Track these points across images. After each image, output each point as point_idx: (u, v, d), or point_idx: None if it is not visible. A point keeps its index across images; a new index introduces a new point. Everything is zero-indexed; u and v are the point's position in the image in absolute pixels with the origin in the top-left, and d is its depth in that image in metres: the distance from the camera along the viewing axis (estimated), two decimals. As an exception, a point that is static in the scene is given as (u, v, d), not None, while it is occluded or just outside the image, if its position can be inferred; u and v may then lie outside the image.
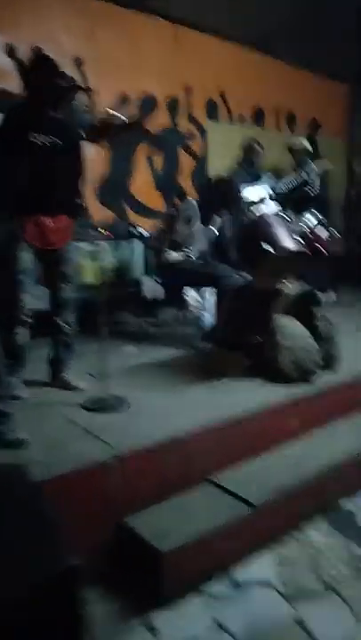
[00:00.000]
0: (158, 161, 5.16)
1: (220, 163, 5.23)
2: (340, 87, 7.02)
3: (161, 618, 1.86)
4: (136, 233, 4.27)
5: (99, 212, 4.69)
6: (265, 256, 2.72)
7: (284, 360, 2.89)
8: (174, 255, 3.73)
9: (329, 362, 3.09)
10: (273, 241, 2.71)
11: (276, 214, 2.86)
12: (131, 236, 4.27)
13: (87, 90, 2.50)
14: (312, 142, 6.02)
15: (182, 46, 5.14)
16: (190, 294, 4.19)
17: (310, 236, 3.10)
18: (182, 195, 4.40)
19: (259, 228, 2.76)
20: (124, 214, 4.92)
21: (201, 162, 5.45)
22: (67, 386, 2.90)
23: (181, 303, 4.28)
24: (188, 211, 3.71)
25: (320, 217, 3.27)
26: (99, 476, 2.00)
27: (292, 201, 4.24)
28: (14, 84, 4.08)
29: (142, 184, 5.03)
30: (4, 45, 4.07)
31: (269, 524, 2.22)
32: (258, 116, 6.03)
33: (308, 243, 3.09)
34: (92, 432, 2.30)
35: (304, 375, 2.90)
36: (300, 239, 3.06)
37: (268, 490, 2.26)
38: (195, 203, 3.76)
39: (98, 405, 2.58)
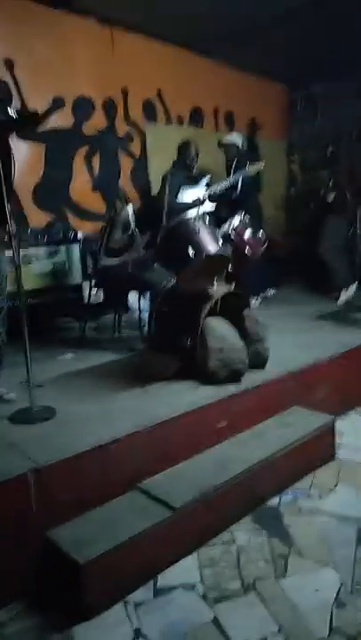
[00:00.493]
0: (96, 163, 5.12)
1: (159, 164, 5.25)
2: (279, 88, 7.15)
3: (82, 631, 1.86)
4: (70, 236, 4.22)
5: (36, 216, 4.63)
6: (187, 260, 2.73)
7: (212, 361, 2.92)
8: (109, 260, 3.72)
9: (258, 361, 3.14)
10: (194, 245, 2.74)
11: (202, 216, 2.86)
12: (65, 240, 4.21)
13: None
14: (252, 143, 6.12)
15: (118, 47, 5.12)
16: (132, 298, 4.21)
17: (232, 237, 3.14)
18: (123, 198, 4.39)
19: (179, 233, 2.78)
20: (64, 218, 4.87)
21: (141, 163, 5.45)
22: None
23: (124, 307, 4.28)
24: (124, 217, 3.70)
25: (243, 218, 3.30)
26: (14, 491, 1.97)
27: (224, 203, 4.30)
28: None
29: (81, 186, 4.99)
30: None
31: (194, 526, 2.24)
32: (196, 117, 6.07)
33: (233, 244, 3.13)
34: (14, 444, 2.27)
35: (233, 375, 2.94)
36: (222, 241, 3.09)
37: (194, 492, 2.29)
38: (130, 210, 3.76)
39: (23, 417, 2.54)
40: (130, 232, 3.70)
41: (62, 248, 4.18)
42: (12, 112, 2.50)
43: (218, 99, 6.20)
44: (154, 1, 4.64)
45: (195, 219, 2.82)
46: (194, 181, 4.51)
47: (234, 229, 3.18)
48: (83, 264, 4.19)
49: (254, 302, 5.01)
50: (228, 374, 2.94)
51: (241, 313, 3.21)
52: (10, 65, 4.38)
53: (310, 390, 3.26)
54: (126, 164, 5.36)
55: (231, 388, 2.90)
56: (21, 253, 3.93)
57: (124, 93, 5.27)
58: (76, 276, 4.21)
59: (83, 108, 4.93)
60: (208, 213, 4.33)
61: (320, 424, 2.97)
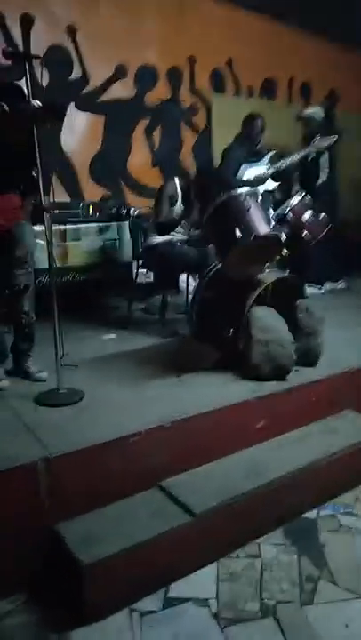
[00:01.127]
0: (157, 136, 4.91)
1: (224, 138, 4.92)
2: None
3: (81, 635, 1.74)
4: (123, 213, 4.07)
5: (92, 191, 4.52)
6: (234, 243, 2.48)
7: (256, 354, 2.67)
8: (158, 238, 3.54)
9: (308, 358, 2.86)
10: (243, 225, 2.47)
11: (255, 193, 2.58)
12: (118, 216, 4.07)
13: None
14: (328, 116, 5.61)
15: (186, 14, 4.82)
16: (185, 279, 4.01)
17: (289, 218, 2.82)
18: (183, 173, 4.17)
19: (226, 210, 2.52)
20: (121, 193, 4.73)
21: (204, 137, 5.17)
22: (28, 376, 2.78)
23: (174, 288, 4.10)
24: (170, 189, 3.49)
25: (304, 197, 2.97)
26: (21, 479, 1.86)
27: (291, 180, 3.95)
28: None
29: (140, 161, 4.81)
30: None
31: (216, 534, 2.05)
32: (268, 88, 5.66)
33: (289, 226, 2.82)
34: (32, 429, 2.17)
35: (277, 371, 2.68)
36: (279, 223, 2.80)
37: (219, 497, 2.09)
38: (177, 182, 3.53)
39: (49, 398, 2.44)
40: (176, 207, 3.48)
41: (114, 224, 4.04)
42: (35, 103, 2.33)
43: (293, 68, 5.74)
44: None
45: (246, 195, 2.55)
46: (257, 157, 4.17)
47: (291, 210, 2.87)
48: (134, 241, 4.03)
49: (317, 291, 4.65)
50: (272, 370, 2.68)
51: (294, 303, 2.92)
52: (72, 31, 4.24)
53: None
54: (189, 138, 5.11)
55: (274, 386, 2.65)
56: (71, 228, 3.86)
57: (191, 62, 4.99)
58: (127, 253, 4.06)
59: (146, 77, 4.73)
60: (270, 192, 4.09)
61: (373, 432, 2.65)
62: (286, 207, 2.89)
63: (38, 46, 4.07)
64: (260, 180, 4.04)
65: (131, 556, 1.83)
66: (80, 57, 4.31)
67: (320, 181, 4.40)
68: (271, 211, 2.64)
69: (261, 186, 4.01)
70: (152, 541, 1.88)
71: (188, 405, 2.38)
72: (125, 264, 4.05)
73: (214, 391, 2.58)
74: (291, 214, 2.87)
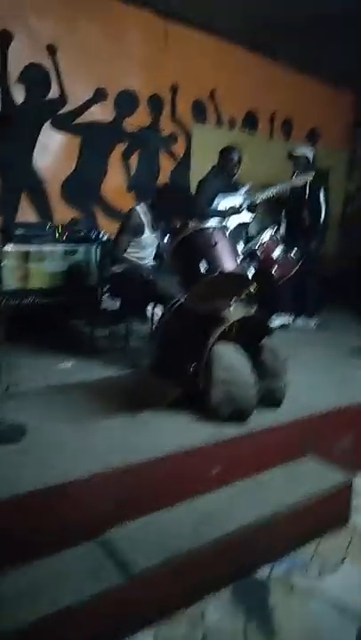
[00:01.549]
0: (134, 161, 4.84)
1: (203, 167, 4.87)
2: (347, 96, 6.63)
3: None
4: (92, 236, 3.94)
5: (63, 212, 4.39)
6: (199, 277, 2.37)
7: (216, 395, 2.53)
8: (117, 267, 3.42)
9: (271, 400, 2.73)
10: (209, 259, 2.36)
11: (224, 227, 2.49)
12: (86, 239, 3.93)
13: None
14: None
15: (171, 42, 4.81)
16: (151, 308, 3.87)
17: (259, 254, 2.73)
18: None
19: (193, 243, 2.41)
20: (93, 216, 4.61)
21: (182, 165, 5.12)
22: None
23: (139, 317, 3.95)
24: (135, 220, 3.38)
25: (275, 234, 2.90)
26: None
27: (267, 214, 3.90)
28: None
29: (115, 185, 4.72)
30: None
31: (155, 595, 1.87)
32: (250, 121, 5.68)
33: (259, 262, 2.73)
34: None
35: (238, 413, 2.54)
36: (249, 258, 2.71)
37: (163, 553, 1.91)
38: (141, 210, 3.42)
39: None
40: (145, 235, 3.37)
41: (81, 248, 3.90)
42: None
43: (276, 103, 5.78)
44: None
45: (214, 229, 2.45)
46: (233, 189, 4.12)
47: (261, 246, 2.77)
48: (102, 266, 3.89)
49: (309, 322, 4.55)
50: (232, 411, 2.54)
51: (260, 341, 2.81)
52: (52, 50, 4.17)
53: (330, 439, 2.81)
54: (167, 165, 5.05)
55: (234, 428, 2.50)
56: (35, 250, 3.71)
57: (174, 90, 4.96)
58: (93, 278, 3.92)
59: (126, 102, 4.67)
60: (244, 224, 4.03)
61: (335, 481, 2.53)
62: (257, 242, 2.80)
63: (17, 64, 4.02)
64: (234, 212, 3.98)
65: (56, 620, 1.64)
66: (59, 76, 4.23)
67: (322, 217, 4.36)
68: (241, 244, 2.53)
69: (236, 217, 3.96)
70: (82, 605, 1.69)
71: (139, 448, 2.22)
72: (91, 288, 3.90)
73: (170, 432, 2.42)
74: (261, 250, 2.78)
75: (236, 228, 3.94)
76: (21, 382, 3.00)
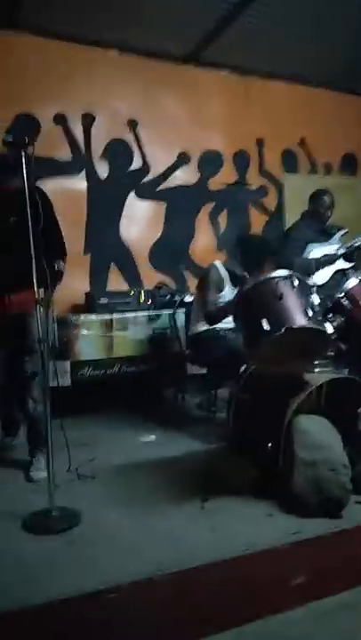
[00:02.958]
0: (223, 220, 4.68)
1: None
2: None
3: None
4: (176, 300, 3.77)
5: (151, 278, 4.33)
6: (262, 335, 2.00)
7: (299, 480, 2.07)
8: (200, 327, 3.16)
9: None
10: (272, 314, 2.00)
11: (291, 277, 2.10)
12: (171, 304, 3.78)
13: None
14: None
15: (252, 96, 4.72)
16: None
17: (345, 304, 2.28)
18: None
19: (254, 298, 2.07)
20: (183, 279, 4.49)
21: (276, 219, 4.84)
22: (27, 475, 2.59)
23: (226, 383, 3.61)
24: (215, 276, 3.13)
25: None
26: None
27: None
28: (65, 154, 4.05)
29: (204, 245, 4.58)
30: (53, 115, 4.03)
31: None
32: (348, 163, 5.26)
33: (346, 313, 2.28)
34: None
35: (329, 505, 2.04)
36: (333, 310, 2.27)
37: None
38: (220, 265, 3.17)
39: (35, 523, 2.04)
40: (225, 291, 3.09)
41: (165, 313, 3.74)
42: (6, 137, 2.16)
43: (377, 142, 5.31)
44: (283, 45, 4.17)
45: (278, 278, 2.10)
46: (327, 236, 3.72)
47: (346, 294, 2.33)
48: (187, 330, 3.68)
49: None
50: (321, 502, 2.05)
51: (355, 411, 2.30)
52: (133, 124, 4.28)
53: None
54: (258, 221, 4.80)
55: (324, 524, 2.00)
56: (118, 317, 3.64)
57: (260, 144, 4.79)
58: (179, 342, 3.70)
59: (210, 162, 4.59)
60: (343, 270, 3.57)
61: None
62: (341, 291, 2.36)
63: (100, 141, 4.19)
64: (329, 260, 3.56)
65: None
66: (140, 148, 4.31)
67: None
68: (315, 297, 2.12)
69: (330, 267, 3.54)
70: None
71: (201, 549, 1.84)
72: (177, 354, 3.68)
73: (240, 528, 2.00)
74: (346, 300, 2.33)
75: (333, 277, 3.52)
76: (99, 459, 2.83)
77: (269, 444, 2.21)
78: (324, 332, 2.06)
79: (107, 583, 1.66)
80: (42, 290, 2.24)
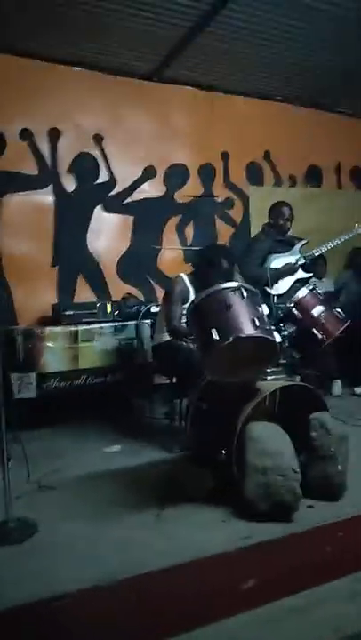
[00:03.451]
0: (190, 232, 4.77)
1: (263, 229, 4.69)
2: None
3: None
4: (142, 311, 3.82)
5: (119, 289, 4.38)
6: (211, 344, 2.07)
7: (250, 486, 2.13)
8: (163, 337, 3.21)
9: (327, 489, 2.24)
10: (221, 324, 2.06)
11: (239, 288, 2.17)
12: (137, 315, 3.83)
13: None
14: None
15: (216, 111, 4.83)
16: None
17: (295, 312, 2.36)
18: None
19: (204, 309, 2.14)
20: (151, 290, 4.55)
21: (241, 231, 4.94)
22: None
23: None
24: (180, 288, 3.18)
25: (315, 290, 2.52)
26: None
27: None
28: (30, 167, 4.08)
29: (171, 257, 4.65)
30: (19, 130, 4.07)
31: None
32: (313, 175, 5.40)
33: (298, 322, 2.36)
34: None
35: (279, 509, 2.10)
36: (285, 320, 2.36)
37: None
38: (185, 277, 3.22)
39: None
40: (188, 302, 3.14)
41: (131, 324, 3.79)
42: None
43: (340, 154, 5.47)
44: (246, 61, 4.29)
45: (229, 290, 2.17)
46: (287, 246, 3.82)
47: (296, 304, 2.41)
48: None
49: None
50: (271, 507, 2.11)
51: (308, 417, 2.37)
52: (99, 139, 4.35)
53: None
54: (225, 232, 4.90)
55: (275, 528, 2.05)
56: (84, 329, 3.67)
57: (225, 157, 4.90)
58: (146, 353, 3.75)
59: (176, 175, 4.69)
60: (304, 281, 3.67)
61: None
62: (291, 301, 2.45)
63: (66, 156, 4.25)
64: (289, 270, 3.67)
65: None
66: (107, 162, 4.38)
67: None
68: (265, 307, 2.19)
69: (291, 277, 3.64)
70: None
71: (154, 555, 1.89)
72: (143, 364, 3.73)
73: (193, 535, 2.05)
74: (297, 310, 2.41)
75: (293, 287, 3.62)
76: (62, 470, 2.86)
77: (223, 451, 2.27)
78: (273, 340, 2.13)
79: (56, 591, 1.69)
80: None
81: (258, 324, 2.10)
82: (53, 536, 2.09)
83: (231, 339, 2.03)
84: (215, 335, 2.07)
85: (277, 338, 2.19)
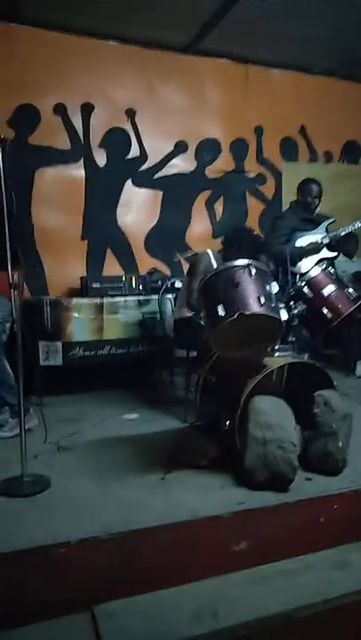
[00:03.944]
0: (220, 208, 4.77)
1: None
2: None
3: None
4: (167, 286, 3.90)
5: (147, 264, 4.48)
6: (217, 320, 2.14)
7: (250, 456, 2.21)
8: (184, 312, 3.28)
9: (327, 464, 2.30)
10: (227, 301, 2.13)
11: (248, 266, 2.21)
12: (161, 289, 3.91)
13: None
14: None
15: (251, 85, 4.76)
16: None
17: (305, 290, 2.38)
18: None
19: (211, 286, 2.20)
20: (178, 266, 4.61)
21: (273, 207, 4.90)
22: None
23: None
24: (204, 263, 3.22)
25: (326, 270, 2.52)
26: None
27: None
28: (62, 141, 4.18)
29: (200, 233, 4.69)
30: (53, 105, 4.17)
31: None
32: (351, 151, 5.26)
33: (308, 301, 2.39)
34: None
35: (275, 480, 2.18)
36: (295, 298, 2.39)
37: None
38: (211, 254, 3.26)
39: (7, 487, 2.25)
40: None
41: (154, 298, 3.89)
42: None
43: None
44: (284, 32, 4.18)
45: (238, 268, 2.22)
46: (313, 225, 3.79)
47: (308, 283, 2.44)
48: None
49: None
50: (268, 477, 2.19)
51: (310, 393, 2.42)
52: (131, 114, 4.40)
53: None
54: (256, 208, 4.88)
55: (270, 497, 2.14)
56: (108, 301, 3.80)
57: (258, 132, 4.85)
58: (167, 328, 3.85)
59: (207, 150, 4.68)
60: (328, 260, 3.65)
61: None
62: (303, 280, 2.47)
63: (98, 130, 4.32)
64: (314, 249, 3.65)
65: None
66: (138, 136, 4.43)
67: None
68: (274, 285, 2.23)
69: (315, 256, 3.62)
70: None
71: (150, 514, 2.02)
72: (165, 338, 3.84)
73: (192, 498, 2.16)
74: (308, 288, 2.44)
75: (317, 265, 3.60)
76: (80, 433, 3.03)
77: (227, 422, 2.36)
78: (278, 318, 2.18)
79: (58, 539, 1.85)
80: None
81: (263, 301, 2.15)
82: (63, 492, 2.25)
83: (236, 315, 2.10)
84: (221, 311, 2.14)
85: (284, 316, 2.23)
